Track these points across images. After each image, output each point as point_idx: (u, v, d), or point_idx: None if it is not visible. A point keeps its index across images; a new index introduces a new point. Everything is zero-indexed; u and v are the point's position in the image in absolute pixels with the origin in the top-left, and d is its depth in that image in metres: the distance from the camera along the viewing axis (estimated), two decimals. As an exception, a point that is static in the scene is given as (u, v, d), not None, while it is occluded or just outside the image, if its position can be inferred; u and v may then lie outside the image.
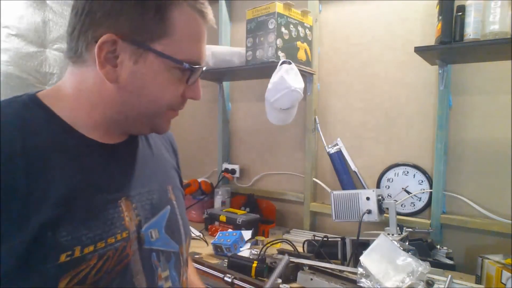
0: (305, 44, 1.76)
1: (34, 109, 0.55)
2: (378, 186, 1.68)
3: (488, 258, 1.21)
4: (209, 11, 0.59)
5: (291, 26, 1.69)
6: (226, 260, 1.36)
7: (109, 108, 0.58)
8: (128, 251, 0.56)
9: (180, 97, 0.61)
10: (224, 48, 1.92)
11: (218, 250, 1.50)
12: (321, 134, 1.83)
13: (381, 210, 1.38)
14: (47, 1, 2.47)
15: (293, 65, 1.58)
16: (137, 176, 0.63)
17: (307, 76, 1.81)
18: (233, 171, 2.14)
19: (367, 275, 1.06)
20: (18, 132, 0.50)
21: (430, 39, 1.46)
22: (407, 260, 1.04)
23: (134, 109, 0.59)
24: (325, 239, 1.47)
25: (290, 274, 1.23)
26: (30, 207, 0.48)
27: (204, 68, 0.61)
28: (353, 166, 1.75)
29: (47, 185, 0.50)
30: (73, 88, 0.58)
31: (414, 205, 1.60)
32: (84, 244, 0.51)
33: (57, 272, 0.49)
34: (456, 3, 1.28)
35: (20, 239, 0.47)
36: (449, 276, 1.07)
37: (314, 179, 1.87)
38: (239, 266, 1.29)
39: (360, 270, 1.08)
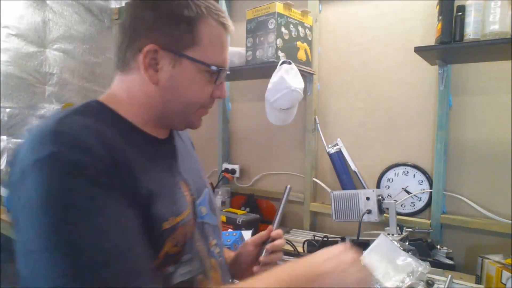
0: (305, 44, 1.76)
1: (104, 112, 0.66)
2: (378, 186, 1.68)
3: (488, 258, 1.21)
4: (229, 22, 0.71)
5: (291, 26, 1.69)
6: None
7: (154, 107, 0.69)
8: (192, 222, 0.70)
9: (210, 96, 0.72)
10: (224, 48, 1.91)
11: (218, 250, 1.50)
12: (321, 134, 1.83)
13: (381, 210, 1.38)
14: (47, 1, 2.47)
15: (293, 65, 1.58)
16: (184, 164, 0.76)
17: (307, 76, 1.81)
18: (233, 171, 2.14)
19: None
20: (102, 131, 0.59)
21: (430, 39, 1.46)
22: (407, 260, 1.04)
23: (173, 107, 0.69)
24: (325, 239, 1.47)
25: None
26: (134, 190, 0.58)
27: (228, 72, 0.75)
28: (353, 166, 1.75)
29: (135, 171, 0.59)
30: (125, 92, 0.70)
31: (414, 205, 1.60)
32: (175, 214, 0.65)
33: (164, 236, 0.62)
34: (456, 3, 1.28)
35: (134, 213, 0.57)
36: (449, 276, 1.08)
37: (314, 179, 1.87)
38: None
39: (360, 270, 1.08)
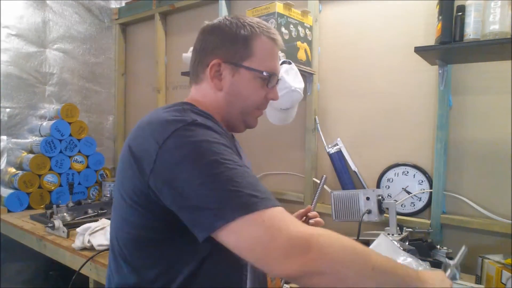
0: (305, 44, 1.76)
1: (196, 108, 0.78)
2: (378, 186, 1.68)
3: (488, 258, 1.21)
4: (278, 37, 0.90)
5: (291, 26, 1.69)
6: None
7: (221, 109, 0.85)
8: None
9: (264, 98, 0.87)
10: (224, 48, 1.91)
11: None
12: (321, 134, 1.83)
13: (381, 210, 1.38)
14: (47, 1, 2.47)
15: (293, 65, 1.58)
16: (245, 161, 0.90)
17: (307, 76, 1.81)
18: (233, 171, 2.13)
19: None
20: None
21: (430, 39, 1.46)
22: (407, 260, 1.04)
23: (235, 108, 0.85)
24: (325, 239, 1.47)
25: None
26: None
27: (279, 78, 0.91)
28: (353, 166, 1.75)
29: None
30: (202, 97, 0.87)
31: (414, 205, 1.60)
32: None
33: None
34: (456, 3, 1.28)
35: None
36: (463, 247, 1.03)
37: (314, 179, 1.87)
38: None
39: (360, 270, 1.08)
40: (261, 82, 0.85)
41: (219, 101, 0.85)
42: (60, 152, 2.36)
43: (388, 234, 1.34)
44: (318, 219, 1.03)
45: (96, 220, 1.68)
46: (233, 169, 0.63)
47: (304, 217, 1.04)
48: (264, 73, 0.84)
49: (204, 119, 0.72)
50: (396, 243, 1.11)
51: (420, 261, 1.04)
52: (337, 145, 1.79)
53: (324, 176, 1.08)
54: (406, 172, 1.61)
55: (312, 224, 1.00)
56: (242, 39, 0.83)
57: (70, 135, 2.40)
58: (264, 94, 0.87)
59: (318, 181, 1.84)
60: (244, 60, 0.83)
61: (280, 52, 0.91)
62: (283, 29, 1.64)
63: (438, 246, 1.41)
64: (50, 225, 1.75)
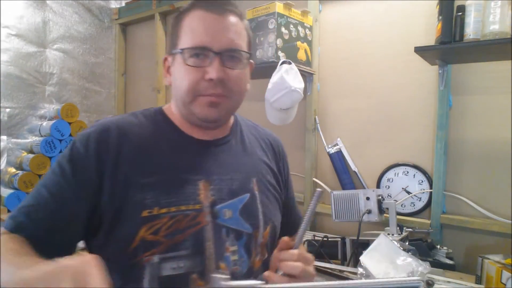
0: (305, 44, 1.76)
1: (158, 115, 0.81)
2: (378, 186, 1.68)
3: (488, 258, 1.21)
4: (199, 3, 0.75)
5: (291, 26, 1.69)
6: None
7: (177, 106, 0.79)
8: (200, 220, 0.72)
9: (201, 81, 0.72)
10: (224, 48, 1.91)
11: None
12: (321, 134, 1.83)
13: (381, 210, 1.38)
14: (47, 1, 2.47)
15: (293, 65, 1.58)
16: (222, 166, 0.79)
17: (307, 76, 1.81)
18: (233, 171, 2.13)
19: (367, 275, 1.06)
20: (130, 130, 0.76)
21: (430, 39, 1.46)
22: (407, 260, 1.04)
23: (179, 101, 0.77)
24: (325, 239, 1.47)
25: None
26: (132, 174, 0.71)
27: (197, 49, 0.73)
28: (353, 166, 1.75)
29: (147, 162, 0.72)
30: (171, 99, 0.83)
31: (414, 205, 1.60)
32: (161, 206, 0.69)
33: (140, 223, 0.68)
34: (456, 3, 1.28)
35: (121, 195, 0.69)
36: (317, 190, 0.75)
37: (314, 179, 1.87)
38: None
39: (360, 270, 1.08)
40: (192, 62, 0.73)
41: (174, 97, 0.80)
42: (60, 152, 2.37)
43: (388, 234, 1.34)
44: (293, 264, 0.63)
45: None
46: (43, 184, 0.70)
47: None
48: (178, 50, 0.74)
49: (86, 136, 0.72)
50: (396, 243, 1.11)
51: (420, 261, 1.04)
52: (337, 145, 1.79)
53: (318, 190, 0.63)
54: (406, 172, 1.61)
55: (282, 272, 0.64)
56: (173, 26, 0.78)
57: (70, 135, 2.40)
58: (199, 76, 0.72)
59: (319, 181, 1.85)
60: (174, 46, 0.76)
61: (208, 19, 0.74)
62: (283, 29, 1.64)
63: (438, 246, 1.41)
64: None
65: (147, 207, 0.69)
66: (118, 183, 0.70)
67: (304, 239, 1.51)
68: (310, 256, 0.68)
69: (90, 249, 0.74)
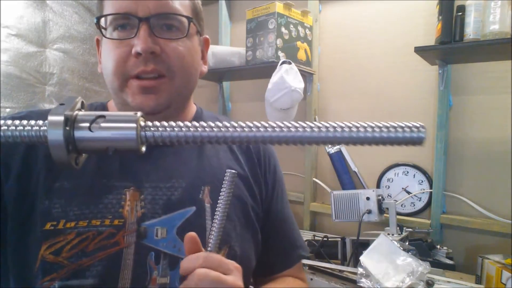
0: (305, 44, 1.76)
1: (97, 109, 0.66)
2: (378, 186, 1.68)
3: (488, 258, 1.21)
4: None
5: (291, 26, 1.68)
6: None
7: (112, 96, 0.65)
8: (118, 240, 0.55)
9: (128, 58, 0.57)
10: (224, 48, 1.92)
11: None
12: (321, 134, 1.82)
13: (381, 210, 1.38)
14: (47, 1, 2.47)
15: (293, 65, 1.58)
16: (162, 171, 0.61)
17: (307, 76, 1.81)
18: (233, 171, 2.13)
19: (367, 275, 1.06)
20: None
21: (430, 39, 1.46)
22: (407, 260, 1.04)
23: (110, 89, 0.62)
24: (325, 239, 1.47)
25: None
26: (41, 174, 0.56)
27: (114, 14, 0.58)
28: (353, 166, 1.75)
29: (49, 167, 0.57)
30: None
31: (414, 205, 1.60)
32: (68, 218, 0.55)
33: (41, 237, 0.54)
34: (456, 3, 1.28)
35: (28, 201, 0.56)
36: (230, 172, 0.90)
37: (314, 179, 1.87)
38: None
39: (360, 270, 1.08)
40: (116, 35, 0.59)
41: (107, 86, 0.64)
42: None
43: (388, 234, 1.34)
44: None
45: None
46: None
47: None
48: (95, 21, 0.60)
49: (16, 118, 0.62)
50: (396, 243, 1.11)
51: (420, 261, 1.04)
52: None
53: (231, 171, 0.48)
54: (406, 172, 1.61)
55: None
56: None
57: (70, 135, 2.40)
58: (124, 51, 0.57)
59: (319, 181, 1.85)
60: (99, 21, 0.60)
61: None
62: (283, 29, 1.64)
63: (438, 246, 1.41)
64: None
65: (51, 218, 0.54)
66: (27, 184, 0.55)
67: (304, 239, 1.51)
68: (227, 262, 0.48)
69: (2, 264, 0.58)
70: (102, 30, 0.59)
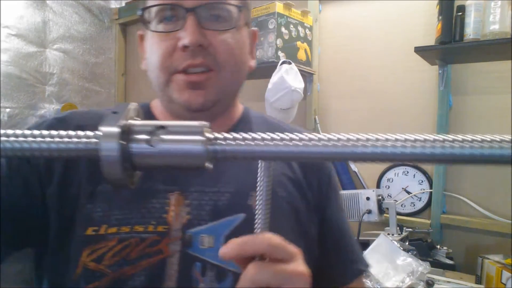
0: (305, 44, 1.76)
1: (143, 110, 0.62)
2: (378, 186, 1.68)
3: (488, 258, 1.21)
4: None
5: (291, 26, 1.68)
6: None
7: (158, 95, 0.61)
8: (162, 248, 0.51)
9: (174, 52, 0.54)
10: (224, 48, 1.91)
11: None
12: (321, 134, 1.82)
13: (381, 210, 1.38)
14: (47, 1, 2.47)
15: (293, 65, 1.58)
16: (206, 174, 0.55)
17: (307, 76, 1.81)
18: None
19: (367, 275, 1.06)
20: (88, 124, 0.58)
21: (430, 39, 1.46)
22: (407, 260, 1.04)
23: (155, 86, 0.59)
24: (325, 239, 1.47)
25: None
26: (84, 177, 0.54)
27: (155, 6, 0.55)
28: (353, 166, 1.75)
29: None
30: None
31: (414, 205, 1.60)
32: (110, 223, 0.51)
33: (82, 243, 0.51)
34: (456, 3, 1.28)
35: (70, 205, 0.53)
36: None
37: (314, 179, 1.87)
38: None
39: (360, 270, 1.08)
40: (160, 28, 0.56)
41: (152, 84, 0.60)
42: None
43: (388, 234, 1.34)
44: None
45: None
46: None
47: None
48: (139, 12, 0.56)
49: (39, 123, 0.58)
50: (396, 243, 1.11)
51: (420, 261, 1.04)
52: (337, 145, 1.78)
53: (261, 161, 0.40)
54: (406, 172, 1.61)
55: None
56: None
57: (70, 135, 2.40)
58: (170, 44, 0.54)
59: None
60: (144, 14, 0.57)
61: None
62: (283, 29, 1.64)
63: (438, 246, 1.41)
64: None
65: (93, 223, 0.51)
66: (69, 188, 0.53)
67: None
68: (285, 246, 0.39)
69: (39, 267, 0.57)
70: (147, 23, 0.56)
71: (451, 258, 1.38)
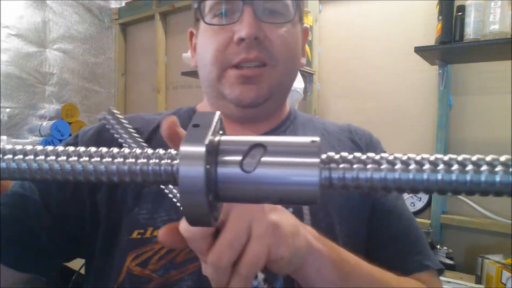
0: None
1: (186, 112, 0.62)
2: (378, 186, 1.68)
3: (488, 258, 1.21)
4: None
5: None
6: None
7: (205, 91, 0.59)
8: None
9: (229, 46, 0.52)
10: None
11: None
12: (321, 134, 1.82)
13: (381, 210, 1.37)
14: (47, 1, 2.47)
15: (293, 65, 1.58)
16: None
17: (307, 76, 1.81)
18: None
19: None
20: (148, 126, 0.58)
21: (430, 39, 1.46)
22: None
23: (206, 82, 0.57)
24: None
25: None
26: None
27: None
28: (353, 166, 1.75)
29: None
30: None
31: (414, 205, 1.59)
32: (156, 226, 0.49)
33: (127, 247, 0.49)
34: (456, 3, 1.28)
35: (117, 208, 0.51)
36: None
37: (314, 179, 1.87)
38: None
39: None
40: (216, 21, 0.54)
41: (201, 83, 0.59)
42: (60, 152, 2.36)
43: (388, 234, 1.34)
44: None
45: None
46: None
47: None
48: (195, 4, 0.56)
49: (86, 130, 0.58)
50: (396, 243, 1.11)
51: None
52: (337, 145, 1.78)
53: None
54: (406, 172, 1.61)
55: None
56: None
57: (70, 135, 2.40)
58: (225, 38, 0.52)
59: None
60: (197, 11, 0.57)
61: None
62: (283, 29, 1.64)
63: (438, 246, 1.41)
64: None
65: (139, 225, 0.49)
66: (117, 191, 0.52)
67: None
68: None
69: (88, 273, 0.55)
70: (201, 17, 0.54)
71: (451, 258, 1.38)
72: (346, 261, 0.40)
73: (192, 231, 0.30)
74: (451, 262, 1.36)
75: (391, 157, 0.21)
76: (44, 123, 2.38)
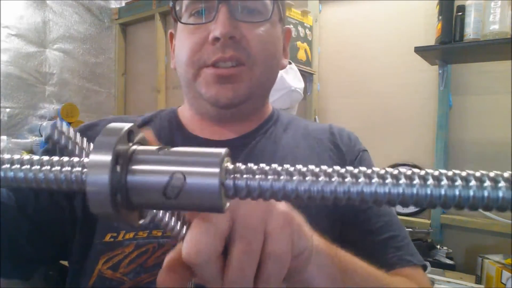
0: (305, 44, 1.76)
1: (168, 114, 0.62)
2: (378, 186, 1.68)
3: (488, 258, 1.21)
4: None
5: (291, 26, 1.68)
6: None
7: (184, 93, 0.59)
8: None
9: (204, 45, 0.52)
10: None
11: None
12: (321, 134, 1.82)
13: (381, 210, 1.37)
14: (47, 1, 2.47)
15: (293, 65, 1.58)
16: None
17: (307, 76, 1.81)
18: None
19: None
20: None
21: (430, 39, 1.46)
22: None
23: (183, 81, 0.56)
24: (325, 239, 1.47)
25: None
26: None
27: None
28: (353, 166, 1.75)
29: None
30: None
31: (414, 205, 1.59)
32: (128, 229, 0.49)
33: (100, 250, 0.49)
34: (456, 3, 1.28)
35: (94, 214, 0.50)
36: None
37: (314, 179, 1.87)
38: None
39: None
40: (192, 20, 0.54)
41: (180, 82, 0.59)
42: (60, 152, 2.36)
43: (388, 234, 1.34)
44: None
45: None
46: None
47: None
48: (170, 3, 0.55)
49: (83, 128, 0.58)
50: (396, 243, 1.11)
51: (420, 261, 1.04)
52: (337, 145, 1.78)
53: None
54: (406, 172, 1.61)
55: None
56: None
57: (70, 135, 2.39)
58: (200, 37, 0.52)
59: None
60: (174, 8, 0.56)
61: None
62: (283, 29, 1.64)
63: (438, 246, 1.41)
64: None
65: (112, 229, 0.49)
66: None
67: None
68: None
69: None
70: (177, 16, 0.54)
71: (451, 258, 1.38)
72: (342, 256, 0.38)
73: (201, 251, 0.24)
74: (451, 262, 1.36)
75: (312, 167, 0.22)
76: (44, 123, 2.38)
